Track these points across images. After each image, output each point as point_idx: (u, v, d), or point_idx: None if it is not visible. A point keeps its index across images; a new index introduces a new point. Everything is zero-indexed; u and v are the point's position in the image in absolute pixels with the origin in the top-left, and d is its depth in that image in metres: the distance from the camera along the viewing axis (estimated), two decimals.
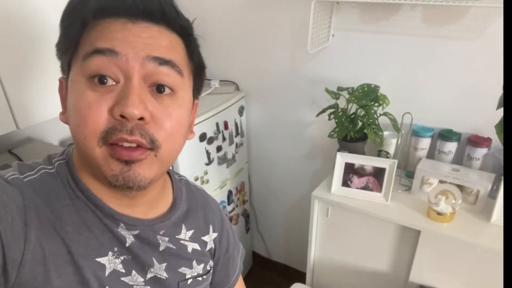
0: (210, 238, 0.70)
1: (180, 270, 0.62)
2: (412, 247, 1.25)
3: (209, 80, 1.75)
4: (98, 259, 0.51)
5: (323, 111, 1.44)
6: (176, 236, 0.63)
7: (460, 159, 1.35)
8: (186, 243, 0.64)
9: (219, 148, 1.66)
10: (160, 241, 0.59)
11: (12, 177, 0.49)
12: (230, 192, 1.84)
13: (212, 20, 1.72)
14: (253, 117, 1.85)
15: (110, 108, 0.46)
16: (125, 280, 0.54)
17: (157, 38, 0.48)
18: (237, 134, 1.78)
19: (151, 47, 0.47)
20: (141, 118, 0.46)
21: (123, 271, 0.54)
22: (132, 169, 0.48)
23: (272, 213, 2.08)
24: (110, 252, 0.53)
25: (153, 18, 0.48)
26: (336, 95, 1.40)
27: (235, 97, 1.70)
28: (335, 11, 1.40)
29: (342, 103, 1.40)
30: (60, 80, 0.54)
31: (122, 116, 0.45)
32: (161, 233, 0.60)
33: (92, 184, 0.53)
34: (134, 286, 0.55)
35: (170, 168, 0.65)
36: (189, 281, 0.64)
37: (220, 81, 1.76)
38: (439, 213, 1.18)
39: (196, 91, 0.58)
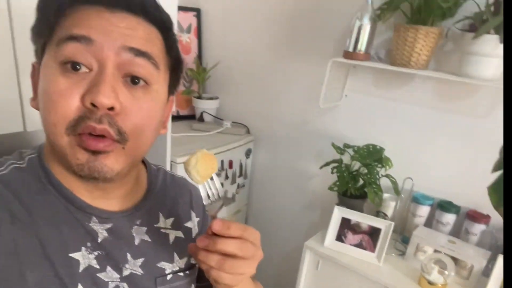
0: (193, 223, 0.67)
1: (158, 265, 0.59)
2: None
3: (222, 120, 1.83)
4: (72, 255, 0.50)
5: (327, 164, 1.47)
6: (155, 225, 0.60)
7: (457, 232, 1.34)
8: (167, 231, 0.62)
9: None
10: (134, 234, 0.57)
11: None
12: None
13: (233, 64, 1.83)
14: (259, 161, 1.89)
15: (81, 96, 0.45)
16: (100, 276, 0.52)
17: (135, 29, 0.47)
18: (240, 175, 1.81)
19: (128, 37, 0.46)
20: (112, 108, 0.45)
21: (98, 267, 0.52)
22: (98, 159, 0.47)
23: (263, 260, 2.02)
24: (83, 247, 0.51)
25: (132, 9, 0.47)
26: (341, 151, 1.44)
27: (244, 139, 1.76)
28: (350, 73, 1.49)
29: (346, 159, 1.44)
30: (33, 65, 0.52)
31: (92, 105, 0.44)
32: (137, 223, 0.58)
33: (63, 176, 0.51)
34: (109, 282, 0.53)
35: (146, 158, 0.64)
36: (169, 276, 0.60)
37: (232, 122, 1.82)
38: (430, 283, 1.16)
39: (172, 86, 0.57)
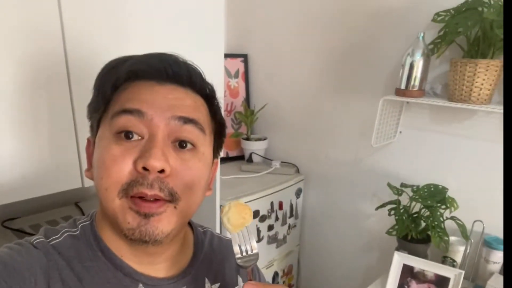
0: None
1: None
2: None
3: (271, 160, 1.81)
4: None
5: (383, 205, 1.39)
6: None
7: None
8: None
9: (270, 227, 1.65)
10: None
11: (38, 240, 0.51)
12: (276, 274, 1.77)
13: (281, 105, 1.84)
14: (310, 201, 1.84)
15: (133, 161, 0.47)
16: None
17: (183, 100, 0.51)
18: (291, 215, 1.76)
19: (177, 107, 0.50)
20: (162, 171, 0.47)
21: None
22: (150, 222, 0.47)
23: None
24: None
25: (180, 82, 0.52)
26: (398, 191, 1.35)
27: (294, 179, 1.72)
28: (405, 109, 1.42)
29: (404, 200, 1.35)
30: (88, 139, 0.56)
31: (144, 169, 0.46)
32: None
33: (113, 242, 0.53)
34: None
35: (193, 221, 0.65)
36: None
37: (282, 162, 1.80)
38: None
39: (216, 149, 0.60)
